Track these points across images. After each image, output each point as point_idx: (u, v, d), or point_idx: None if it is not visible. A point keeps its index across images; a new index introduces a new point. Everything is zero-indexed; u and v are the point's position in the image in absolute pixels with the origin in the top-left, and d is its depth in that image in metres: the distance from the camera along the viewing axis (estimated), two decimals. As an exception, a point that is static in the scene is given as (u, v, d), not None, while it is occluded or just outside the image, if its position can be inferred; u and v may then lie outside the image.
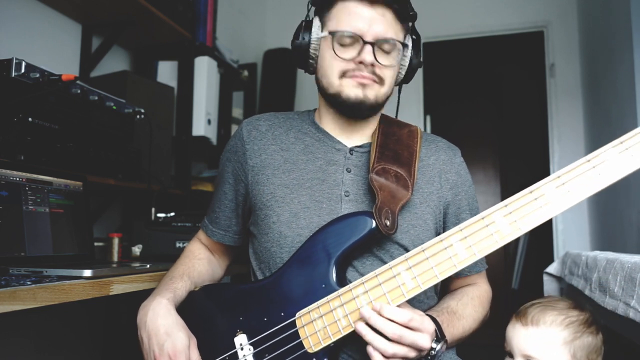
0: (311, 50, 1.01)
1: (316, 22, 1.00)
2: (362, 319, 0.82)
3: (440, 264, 0.82)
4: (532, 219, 0.79)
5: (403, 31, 1.00)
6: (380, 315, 0.80)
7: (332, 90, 0.99)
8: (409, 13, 0.99)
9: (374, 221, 0.88)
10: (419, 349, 0.80)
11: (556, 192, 0.79)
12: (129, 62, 2.19)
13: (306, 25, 1.01)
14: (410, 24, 1.02)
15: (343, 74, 0.97)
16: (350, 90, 0.97)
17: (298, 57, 1.03)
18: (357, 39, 0.94)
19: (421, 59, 1.06)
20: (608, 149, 0.78)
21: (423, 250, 0.83)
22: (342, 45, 0.96)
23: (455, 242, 0.82)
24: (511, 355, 0.97)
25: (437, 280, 0.82)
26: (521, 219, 0.80)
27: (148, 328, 0.88)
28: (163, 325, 0.88)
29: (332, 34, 0.96)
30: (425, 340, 0.81)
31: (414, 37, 1.03)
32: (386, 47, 0.96)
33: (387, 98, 1.03)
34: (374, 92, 0.97)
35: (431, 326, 0.83)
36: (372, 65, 0.95)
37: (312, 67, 1.04)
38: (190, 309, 0.96)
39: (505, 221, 0.80)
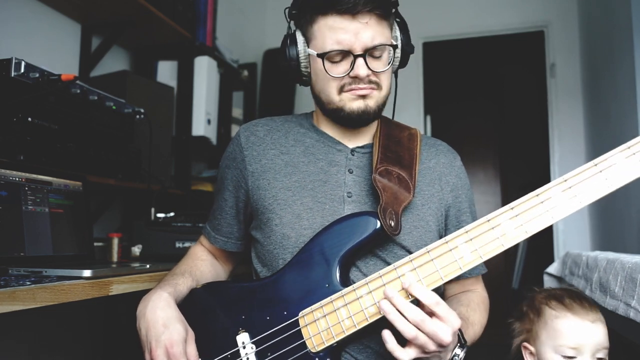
0: (302, 69, 1.00)
1: (299, 37, 0.99)
2: (386, 297, 0.80)
3: (445, 266, 0.82)
4: (539, 222, 0.79)
5: (388, 27, 0.97)
6: (409, 292, 0.80)
7: (333, 106, 0.98)
8: (390, 8, 0.95)
9: (378, 221, 0.88)
10: (438, 343, 0.77)
11: (562, 196, 0.79)
12: (129, 62, 2.19)
13: (291, 41, 0.99)
14: (393, 10, 0.97)
15: (341, 89, 0.96)
16: (352, 103, 0.96)
17: (291, 74, 1.02)
18: (346, 54, 0.93)
19: (411, 41, 1.01)
20: (615, 153, 0.77)
21: (428, 252, 0.83)
22: (333, 62, 0.94)
23: (460, 244, 0.82)
24: (532, 355, 0.97)
25: (442, 282, 0.82)
26: (527, 222, 0.79)
27: (147, 319, 0.88)
28: (161, 317, 0.88)
29: (321, 56, 0.93)
30: (446, 333, 0.77)
31: (397, 20, 1.00)
32: (377, 52, 0.94)
33: (387, 97, 1.02)
34: (374, 100, 0.97)
35: (456, 322, 0.79)
36: (367, 75, 0.94)
37: (306, 82, 1.04)
38: (192, 306, 0.96)
39: (512, 224, 0.80)
